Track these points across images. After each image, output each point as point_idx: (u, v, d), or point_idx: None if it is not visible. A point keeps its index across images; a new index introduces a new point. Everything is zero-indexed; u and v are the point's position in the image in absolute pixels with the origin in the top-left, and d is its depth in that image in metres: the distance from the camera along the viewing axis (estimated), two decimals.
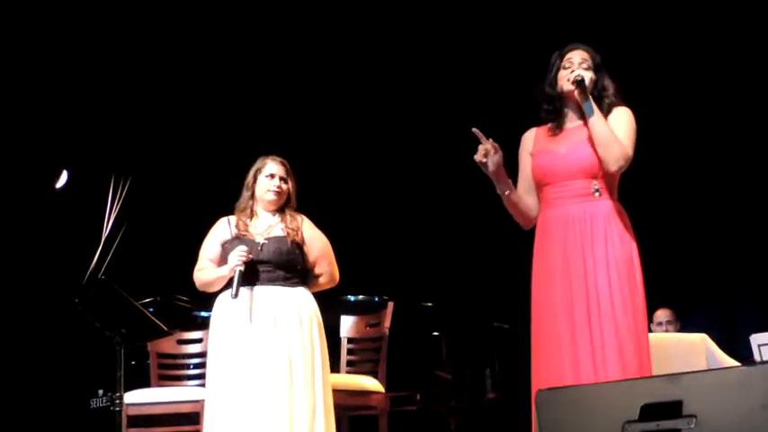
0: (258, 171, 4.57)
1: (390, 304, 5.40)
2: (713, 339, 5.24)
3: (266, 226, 4.48)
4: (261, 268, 4.36)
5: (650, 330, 6.40)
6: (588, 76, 3.64)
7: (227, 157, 7.61)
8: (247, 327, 4.29)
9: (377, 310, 5.65)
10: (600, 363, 3.45)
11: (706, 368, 4.83)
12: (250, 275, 4.32)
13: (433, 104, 7.76)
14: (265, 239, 4.41)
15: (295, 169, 4.65)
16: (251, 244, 4.37)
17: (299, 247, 4.45)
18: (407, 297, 6.26)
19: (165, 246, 7.36)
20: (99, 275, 5.60)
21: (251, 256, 4.31)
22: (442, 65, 7.64)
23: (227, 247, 4.43)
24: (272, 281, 4.37)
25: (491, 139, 3.66)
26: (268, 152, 4.68)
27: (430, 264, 7.66)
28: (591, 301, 3.52)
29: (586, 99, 3.60)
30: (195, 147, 7.67)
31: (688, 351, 5.06)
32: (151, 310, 5.55)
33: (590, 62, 3.71)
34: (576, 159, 3.62)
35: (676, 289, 7.29)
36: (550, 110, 3.76)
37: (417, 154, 7.88)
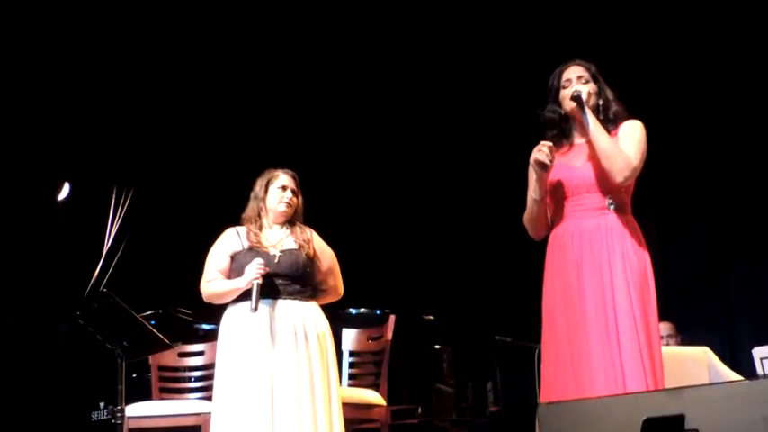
0: (269, 182, 4.53)
1: (392, 317, 5.39)
2: (715, 352, 5.23)
3: (278, 238, 4.46)
4: (278, 281, 4.33)
5: None
6: (586, 90, 3.67)
7: (229, 169, 7.64)
8: (268, 341, 4.24)
9: (379, 323, 5.64)
10: (618, 376, 3.45)
11: (708, 382, 4.82)
12: (267, 288, 4.28)
13: (435, 117, 7.77)
14: (280, 252, 4.38)
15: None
16: (266, 256, 4.33)
17: (311, 260, 4.43)
18: (409, 310, 6.26)
19: (167, 258, 7.36)
20: (101, 288, 5.59)
21: (268, 268, 4.27)
22: (448, 81, 7.65)
23: (239, 259, 4.38)
24: (290, 294, 4.34)
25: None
26: (269, 165, 4.68)
27: (431, 277, 7.65)
28: (608, 315, 3.54)
29: (584, 113, 3.63)
30: (197, 159, 7.68)
31: (690, 364, 5.05)
32: (153, 322, 5.55)
33: (587, 75, 3.75)
34: (590, 173, 3.65)
35: (677, 302, 7.28)
36: (555, 134, 3.79)
37: (418, 165, 7.88)
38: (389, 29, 7.43)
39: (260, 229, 4.49)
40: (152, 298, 6.30)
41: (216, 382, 4.37)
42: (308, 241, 4.45)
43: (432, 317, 6.68)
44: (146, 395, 5.35)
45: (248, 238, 4.45)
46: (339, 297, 4.62)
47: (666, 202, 7.32)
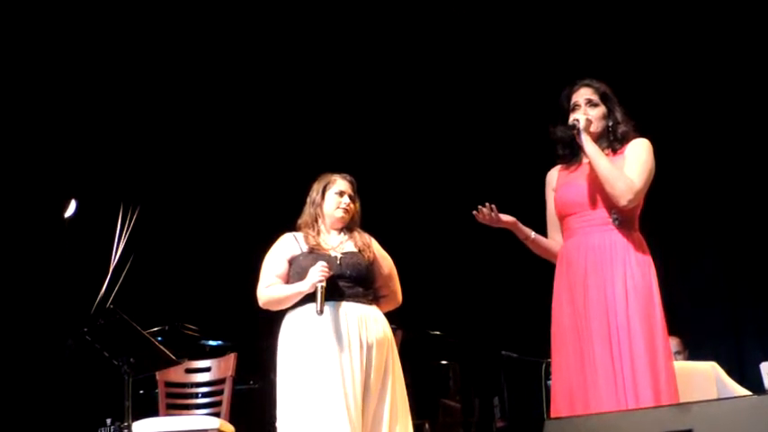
0: (326, 187, 4.45)
1: (399, 333, 5.39)
2: (722, 368, 5.22)
3: (338, 242, 4.38)
4: (341, 283, 4.23)
5: None
6: (583, 119, 3.68)
7: (235, 186, 7.67)
8: (335, 344, 4.13)
9: None
10: (621, 391, 3.45)
11: (716, 397, 4.81)
12: (331, 291, 4.17)
13: (445, 133, 7.79)
14: (341, 254, 4.30)
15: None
16: (328, 258, 4.24)
17: (372, 263, 4.33)
18: (416, 326, 6.25)
19: (174, 275, 7.37)
20: (107, 304, 5.61)
21: (331, 271, 4.18)
22: (462, 98, 7.67)
23: (299, 263, 4.28)
24: (354, 297, 4.24)
25: (489, 205, 3.82)
26: (275, 184, 4.66)
27: (438, 293, 7.65)
28: (612, 331, 3.55)
29: (582, 142, 3.66)
30: (203, 176, 7.69)
31: (698, 380, 5.04)
32: (159, 338, 5.56)
33: (596, 97, 3.77)
34: (595, 190, 3.67)
35: (684, 317, 7.26)
36: (566, 153, 3.84)
37: (425, 178, 7.89)
38: (408, 43, 7.44)
39: (318, 234, 4.40)
40: (159, 314, 6.31)
41: (283, 389, 4.21)
42: (368, 245, 4.37)
43: (438, 332, 6.67)
44: (153, 411, 5.34)
45: (306, 241, 4.35)
46: (398, 305, 4.50)
47: (673, 217, 7.31)
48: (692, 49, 7.07)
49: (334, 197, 4.42)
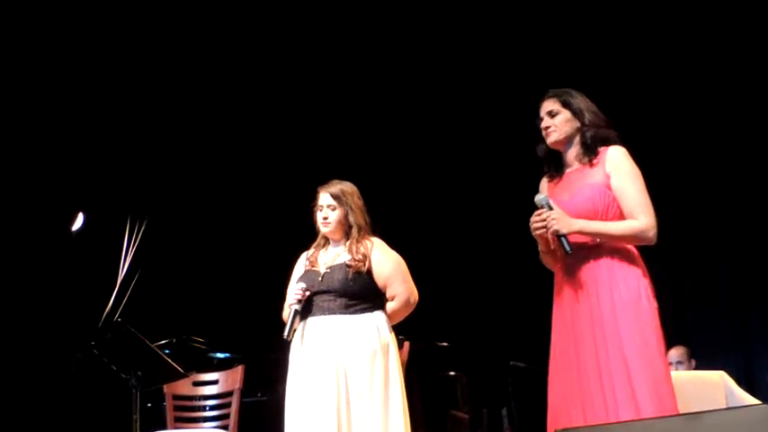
0: (313, 204, 4.49)
1: (407, 344, 5.38)
2: (731, 377, 5.20)
3: (333, 256, 4.41)
4: (323, 298, 4.30)
5: None
6: (564, 228, 3.53)
7: (242, 198, 7.68)
8: (303, 358, 4.27)
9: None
10: (612, 408, 3.43)
11: (725, 406, 4.79)
12: (313, 307, 4.29)
13: (451, 143, 7.79)
14: (327, 269, 4.33)
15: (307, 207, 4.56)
16: (312, 276, 4.34)
17: (361, 273, 4.30)
18: (423, 337, 6.25)
19: (181, 288, 7.38)
20: (115, 318, 5.61)
21: (307, 292, 4.28)
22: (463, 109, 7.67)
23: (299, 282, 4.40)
24: (331, 311, 4.27)
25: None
26: (284, 197, 4.67)
27: (446, 303, 7.64)
28: (599, 347, 3.51)
29: (562, 244, 3.54)
30: (210, 189, 7.70)
31: (706, 389, 5.02)
32: (167, 351, 5.57)
33: (556, 106, 3.70)
34: (576, 205, 3.61)
35: (693, 327, 7.26)
36: (551, 169, 3.79)
37: (431, 188, 7.90)
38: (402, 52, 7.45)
39: (325, 248, 4.48)
40: (166, 327, 6.31)
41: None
42: (364, 257, 4.33)
43: (446, 343, 6.67)
44: (161, 424, 5.34)
45: (309, 259, 4.46)
46: (411, 305, 4.44)
47: (684, 227, 7.30)
48: (694, 53, 7.07)
49: (317, 213, 4.46)
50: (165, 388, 5.29)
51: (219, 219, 7.68)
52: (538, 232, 3.59)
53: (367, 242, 4.39)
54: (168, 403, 5.34)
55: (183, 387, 5.35)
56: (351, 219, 4.42)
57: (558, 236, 3.52)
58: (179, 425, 5.34)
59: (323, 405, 4.14)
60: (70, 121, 7.15)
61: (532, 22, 7.13)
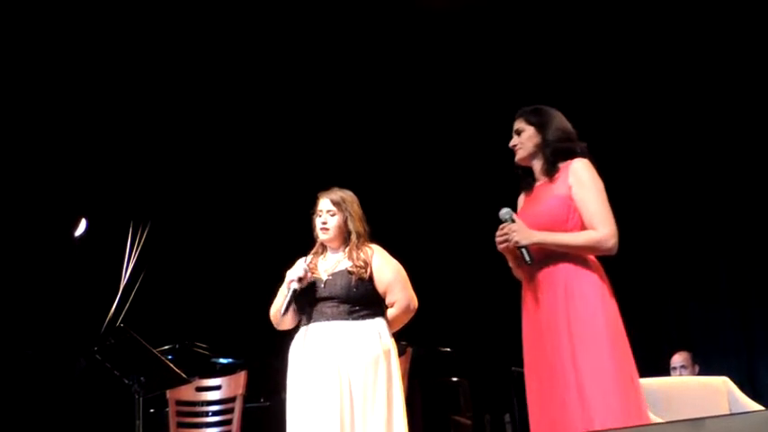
0: (312, 210, 4.45)
1: (409, 350, 5.38)
2: (734, 382, 5.20)
3: (333, 263, 4.37)
4: (326, 304, 4.27)
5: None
6: (523, 242, 3.60)
7: (245, 204, 7.68)
8: (306, 364, 4.24)
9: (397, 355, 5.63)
10: (569, 422, 3.47)
11: (728, 412, 4.79)
12: (316, 313, 4.27)
13: (452, 148, 7.79)
14: (329, 276, 4.31)
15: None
16: (316, 282, 4.30)
17: (363, 280, 4.29)
18: (426, 342, 6.24)
19: (184, 293, 7.38)
20: (117, 323, 5.62)
21: (309, 274, 4.26)
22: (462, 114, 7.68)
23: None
24: (333, 317, 4.25)
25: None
26: (287, 202, 4.65)
27: (448, 309, 7.64)
28: (556, 362, 3.55)
29: (522, 255, 3.62)
30: (213, 193, 7.71)
31: (709, 395, 5.02)
32: (170, 357, 5.57)
33: (522, 124, 3.80)
34: (539, 216, 3.67)
35: (696, 332, 7.25)
36: (525, 183, 3.88)
37: (434, 193, 7.90)
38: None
39: (323, 255, 4.43)
40: (169, 332, 6.32)
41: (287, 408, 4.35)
42: (365, 264, 4.32)
43: (449, 349, 6.66)
44: (163, 430, 5.34)
45: (308, 265, 4.38)
46: (411, 309, 4.42)
47: (686, 233, 7.31)
48: (700, 49, 7.07)
49: (315, 219, 4.42)
50: (168, 393, 5.29)
51: (222, 224, 7.68)
52: (501, 246, 3.68)
53: (367, 249, 4.38)
54: (171, 409, 5.34)
55: (186, 393, 5.35)
56: (350, 225, 4.40)
57: (519, 247, 3.60)
58: (182, 430, 5.34)
59: (326, 410, 4.13)
60: (73, 127, 7.16)
61: (529, 33, 7.15)
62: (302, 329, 4.33)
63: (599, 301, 3.56)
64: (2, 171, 6.93)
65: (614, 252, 3.59)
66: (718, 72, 7.05)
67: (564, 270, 3.60)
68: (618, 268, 3.58)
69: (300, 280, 4.25)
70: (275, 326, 4.39)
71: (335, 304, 4.27)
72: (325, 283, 4.30)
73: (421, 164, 7.91)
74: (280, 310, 4.23)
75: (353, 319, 4.27)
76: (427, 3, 6.80)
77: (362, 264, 4.32)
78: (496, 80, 7.37)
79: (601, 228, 3.58)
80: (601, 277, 3.62)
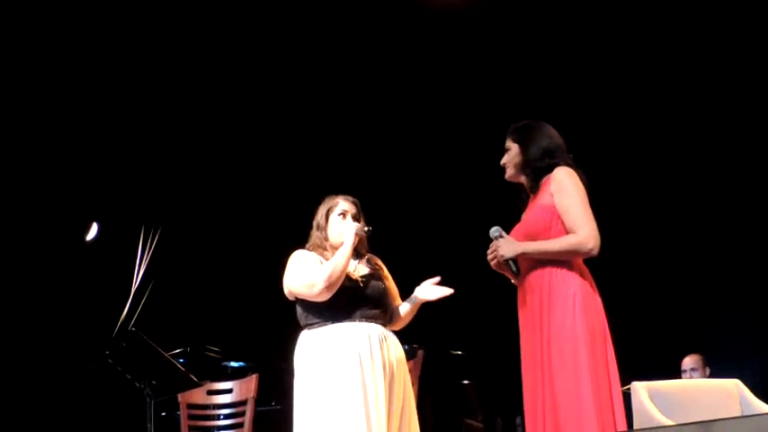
0: (330, 210, 4.32)
1: (420, 352, 5.38)
2: (746, 385, 5.18)
3: (352, 266, 4.23)
4: (363, 305, 4.16)
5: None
6: (509, 253, 3.74)
7: (256, 207, 7.69)
8: (359, 365, 4.04)
9: (407, 358, 5.63)
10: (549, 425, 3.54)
11: (739, 414, 4.78)
12: (354, 313, 4.13)
13: (458, 151, 7.79)
14: (361, 277, 4.20)
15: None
16: (351, 280, 4.15)
17: (387, 286, 4.29)
18: (437, 345, 6.24)
19: (195, 297, 7.39)
20: (129, 327, 5.63)
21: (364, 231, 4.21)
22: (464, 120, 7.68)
23: None
24: (375, 318, 4.17)
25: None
26: (297, 206, 4.63)
27: (459, 312, 7.63)
28: (536, 369, 3.64)
29: (509, 267, 3.78)
30: (224, 197, 7.72)
31: (721, 397, 5.01)
32: (181, 360, 5.58)
33: (508, 142, 3.92)
34: (526, 227, 3.78)
35: (708, 334, 7.23)
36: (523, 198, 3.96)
37: (441, 195, 7.89)
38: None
39: (332, 254, 4.26)
40: (180, 336, 6.33)
41: (303, 411, 4.10)
42: (382, 267, 4.34)
43: (460, 352, 6.66)
44: None
45: (326, 259, 4.22)
46: (403, 325, 4.39)
47: (696, 236, 7.29)
48: (705, 49, 7.06)
49: (337, 219, 4.29)
50: (180, 397, 5.29)
51: (233, 228, 7.69)
52: (493, 263, 3.84)
53: (376, 258, 4.40)
54: (182, 412, 5.34)
55: (198, 396, 5.35)
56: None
57: (506, 260, 3.74)
58: None
59: (376, 410, 4.01)
60: (84, 132, 7.18)
61: (529, 34, 7.15)
62: (338, 326, 4.14)
63: (580, 307, 3.61)
64: (14, 176, 6.95)
65: (596, 253, 3.65)
66: (731, 74, 7.04)
67: (546, 276, 3.68)
68: (629, 271, 3.59)
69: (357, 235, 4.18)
70: (326, 288, 4.09)
71: (371, 306, 4.19)
72: (362, 282, 4.20)
73: (434, 166, 7.91)
74: (343, 268, 4.08)
75: (385, 324, 4.24)
76: (429, 3, 6.80)
77: (380, 266, 4.36)
78: (501, 83, 7.38)
79: (580, 231, 3.64)
80: (582, 276, 3.68)
